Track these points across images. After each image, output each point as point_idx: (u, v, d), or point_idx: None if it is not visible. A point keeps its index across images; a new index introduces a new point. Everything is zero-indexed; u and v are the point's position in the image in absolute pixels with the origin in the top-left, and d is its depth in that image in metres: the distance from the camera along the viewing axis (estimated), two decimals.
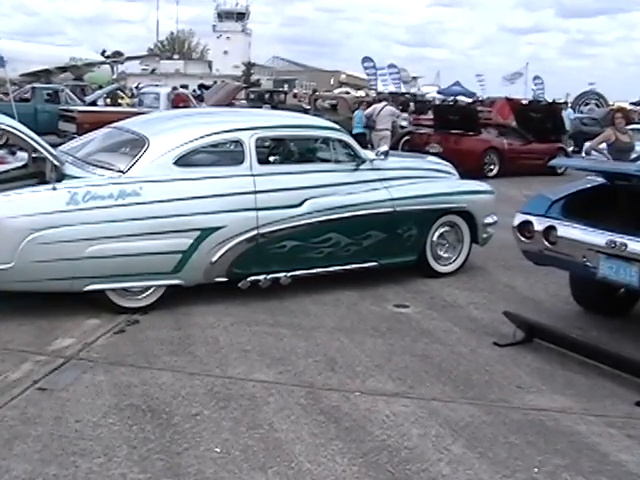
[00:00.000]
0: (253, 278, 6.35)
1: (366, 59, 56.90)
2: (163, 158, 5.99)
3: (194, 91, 31.60)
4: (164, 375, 4.85)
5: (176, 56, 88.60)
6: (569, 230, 5.58)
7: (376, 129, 17.19)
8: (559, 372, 5.25)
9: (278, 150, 6.95)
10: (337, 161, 6.91)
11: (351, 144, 6.99)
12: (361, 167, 7.00)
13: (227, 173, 6.22)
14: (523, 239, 5.92)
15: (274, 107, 26.98)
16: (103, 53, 63.81)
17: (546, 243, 5.72)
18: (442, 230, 7.60)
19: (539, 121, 19.78)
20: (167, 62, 78.61)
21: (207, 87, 32.52)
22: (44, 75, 37.78)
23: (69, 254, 5.58)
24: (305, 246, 6.55)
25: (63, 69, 42.11)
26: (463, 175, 8.62)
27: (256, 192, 6.26)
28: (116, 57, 60.02)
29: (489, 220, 7.91)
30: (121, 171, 5.91)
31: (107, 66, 51.46)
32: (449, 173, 8.14)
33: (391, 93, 41.50)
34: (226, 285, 6.34)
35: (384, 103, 17.87)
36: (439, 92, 59.41)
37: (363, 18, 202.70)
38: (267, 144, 6.82)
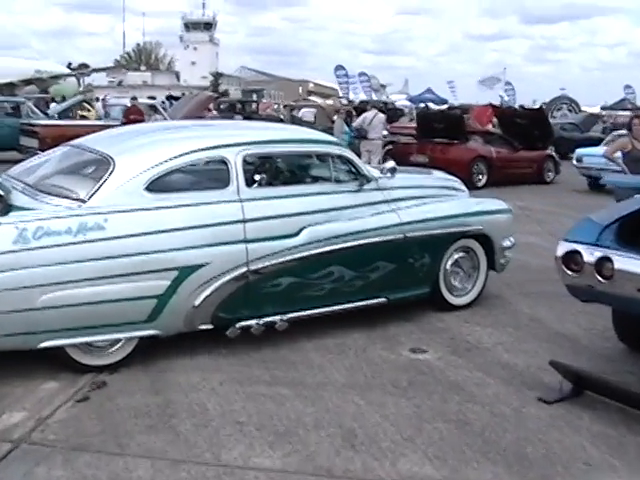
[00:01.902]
0: (243, 324, 5.30)
1: (338, 67, 56.32)
2: (132, 183, 4.94)
3: (163, 102, 30.42)
4: (140, 465, 3.78)
5: (143, 67, 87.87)
6: (629, 262, 4.60)
7: (368, 138, 16.19)
8: (628, 438, 4.27)
9: (270, 170, 5.92)
10: (338, 181, 5.89)
11: (353, 160, 5.98)
12: (365, 187, 5.99)
13: (210, 199, 5.18)
14: (569, 272, 4.94)
15: (247, 118, 25.95)
16: (69, 66, 62.82)
17: (599, 277, 4.73)
18: (456, 256, 6.61)
19: (525, 127, 18.93)
20: (134, 74, 78.10)
21: (176, 98, 31.41)
22: (8, 88, 36.57)
23: (19, 304, 4.51)
24: (303, 283, 5.53)
25: (28, 82, 41.06)
26: None
27: (245, 221, 5.22)
28: (82, 69, 59.29)
29: (507, 243, 6.96)
30: (81, 200, 4.84)
31: (73, 79, 50.62)
32: (459, 190, 7.16)
33: (362, 101, 40.81)
34: (211, 333, 5.29)
35: (375, 111, 16.88)
36: (410, 100, 58.96)
37: (329, 27, 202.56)
38: (256, 163, 5.78)
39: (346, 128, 18.15)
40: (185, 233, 4.98)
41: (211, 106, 30.96)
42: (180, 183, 5.23)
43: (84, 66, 64.32)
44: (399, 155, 17.96)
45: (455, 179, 7.39)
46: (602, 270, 4.72)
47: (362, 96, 54.25)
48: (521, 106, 26.37)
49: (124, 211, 4.84)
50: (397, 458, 3.93)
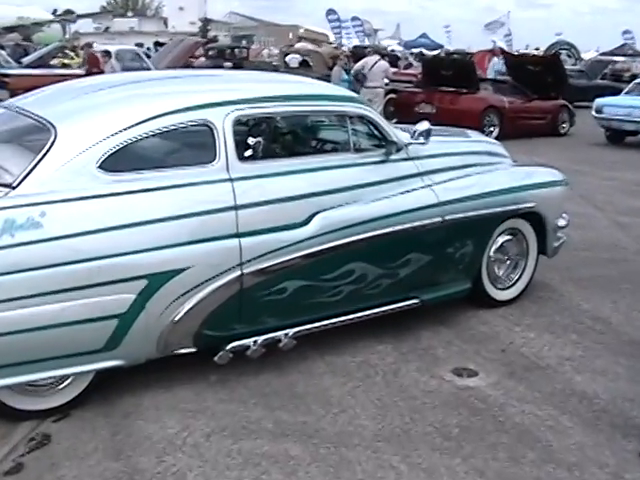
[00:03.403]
0: (238, 344, 3.98)
1: (330, 11, 54.29)
2: (80, 160, 3.55)
3: (148, 49, 28.62)
4: None
5: (130, 14, 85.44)
6: None
7: (367, 86, 14.69)
8: None
9: (269, 137, 4.52)
10: (358, 149, 4.48)
11: (377, 122, 4.58)
12: (393, 157, 4.61)
13: (189, 179, 3.79)
14: None
15: (236, 65, 24.28)
16: (54, 13, 60.48)
17: None
18: (501, 241, 5.29)
19: (538, 75, 17.40)
20: (121, 20, 76.25)
21: (163, 45, 29.55)
22: None
23: None
24: (315, 286, 4.20)
25: (10, 29, 39.08)
26: None
27: (237, 207, 3.86)
28: (67, 16, 57.40)
29: (562, 222, 5.63)
30: (7, 185, 3.46)
31: (58, 26, 48.64)
32: (502, 155, 5.77)
33: (356, 46, 39.16)
34: (193, 356, 3.97)
35: (377, 57, 15.35)
36: (404, 45, 57.07)
37: None
38: (252, 128, 4.37)
39: (345, 76, 16.58)
40: (155, 227, 3.63)
41: (199, 53, 29.32)
42: (147, 158, 3.83)
43: (69, 12, 62.33)
44: (402, 105, 16.54)
45: (494, 141, 6.01)
46: None
47: (355, 41, 52.43)
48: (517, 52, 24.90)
49: (69, 200, 3.47)
50: None
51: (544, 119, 17.13)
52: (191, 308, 3.77)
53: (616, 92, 25.24)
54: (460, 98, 15.65)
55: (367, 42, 53.53)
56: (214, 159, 3.88)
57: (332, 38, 57.28)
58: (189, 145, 4.04)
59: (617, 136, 16.20)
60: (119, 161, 3.62)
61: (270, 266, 3.96)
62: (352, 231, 4.24)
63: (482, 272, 5.18)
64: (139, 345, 3.71)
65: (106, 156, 3.59)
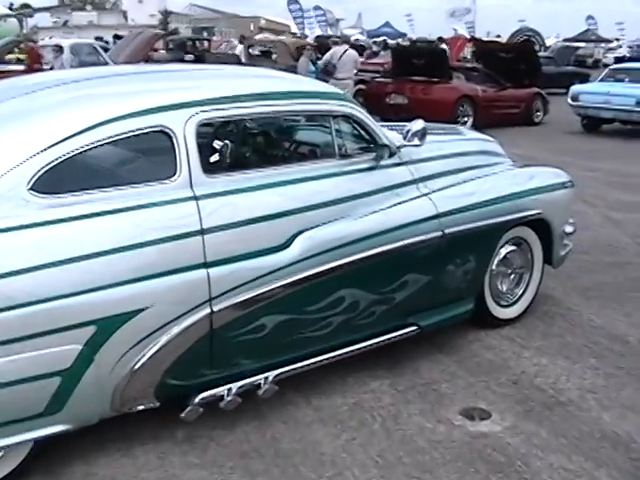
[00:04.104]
0: (208, 394, 3.32)
1: (291, 1, 53.33)
2: (5, 180, 2.85)
3: (107, 42, 27.61)
4: None
5: (89, 7, 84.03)
6: None
7: (337, 78, 14.01)
8: None
9: (240, 144, 3.84)
10: (344, 155, 3.81)
11: (366, 123, 3.91)
12: (384, 162, 3.96)
13: (143, 199, 3.11)
14: None
15: (198, 58, 23.45)
16: (11, 7, 58.97)
17: None
18: (504, 252, 4.67)
19: (510, 62, 16.90)
20: (80, 13, 75.45)
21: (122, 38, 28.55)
22: None
23: None
24: (299, 320, 3.55)
25: None
26: None
27: (203, 231, 3.19)
28: (24, 10, 56.15)
29: (569, 229, 5.04)
30: None
31: (14, 20, 47.32)
32: (499, 155, 5.16)
33: (318, 37, 38.52)
34: (156, 410, 3.29)
35: (345, 46, 14.67)
36: (368, 34, 56.50)
37: None
38: (219, 134, 3.67)
39: (312, 67, 15.93)
40: (103, 261, 2.94)
41: (158, 46, 28.41)
42: (91, 176, 3.13)
43: (26, 6, 61.02)
44: (372, 96, 15.90)
45: (491, 139, 5.37)
46: None
47: (318, 31, 51.78)
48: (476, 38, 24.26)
49: None
50: None
51: (518, 108, 16.66)
52: (152, 356, 3.10)
53: (585, 78, 25.03)
54: (432, 88, 15.06)
55: (330, 32, 52.86)
56: (174, 173, 3.19)
57: (294, 28, 56.57)
58: (143, 158, 3.35)
59: (593, 124, 15.76)
60: (55, 180, 2.92)
61: (245, 300, 3.30)
62: (341, 253, 3.59)
63: (484, 289, 4.56)
64: (89, 405, 3.03)
65: (39, 175, 2.89)
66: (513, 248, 4.73)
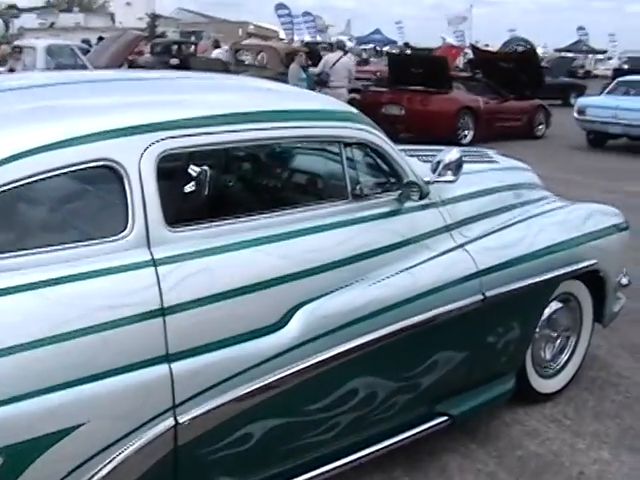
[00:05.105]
0: None
1: (280, 6, 52.43)
2: None
3: (90, 45, 26.47)
4: None
5: (76, 9, 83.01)
6: None
7: (330, 86, 13.06)
8: None
9: (219, 183, 2.87)
10: (358, 196, 2.83)
11: (388, 152, 2.95)
12: (410, 204, 3.00)
13: (78, 266, 2.14)
14: None
15: (182, 62, 22.42)
16: None
17: None
18: (550, 312, 3.74)
19: (511, 72, 16.00)
20: (67, 15, 74.57)
21: None
22: None
23: None
24: (297, 425, 2.60)
25: None
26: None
27: (165, 311, 2.23)
28: (9, 10, 55.29)
29: (624, 280, 4.11)
30: None
31: (0, 21, 46.50)
32: (540, 187, 4.23)
33: (307, 43, 37.63)
34: None
35: (339, 53, 13.71)
36: (358, 41, 55.78)
37: None
38: (189, 170, 2.69)
39: (303, 74, 14.92)
40: (12, 362, 1.97)
41: (145, 49, 27.40)
42: (3, 234, 2.16)
43: (12, 7, 60.08)
44: (367, 106, 14.91)
45: (527, 166, 4.45)
46: None
47: (307, 38, 50.97)
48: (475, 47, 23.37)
49: None
50: None
51: (520, 120, 15.83)
52: None
53: (581, 90, 24.27)
54: (431, 98, 14.15)
55: (319, 38, 52.01)
56: (124, 227, 2.23)
57: (282, 34, 55.75)
58: (80, 205, 2.37)
59: (600, 139, 14.91)
60: None
61: (224, 404, 2.34)
62: (354, 331, 2.65)
63: (527, 360, 3.63)
64: None
65: None
66: (559, 306, 3.79)
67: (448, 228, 3.12)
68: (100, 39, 30.06)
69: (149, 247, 2.25)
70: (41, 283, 2.07)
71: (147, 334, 2.20)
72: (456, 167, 3.15)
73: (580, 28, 63.98)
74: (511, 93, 15.64)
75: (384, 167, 2.96)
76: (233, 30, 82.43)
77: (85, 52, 18.77)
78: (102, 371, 2.13)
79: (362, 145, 2.89)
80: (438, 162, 3.17)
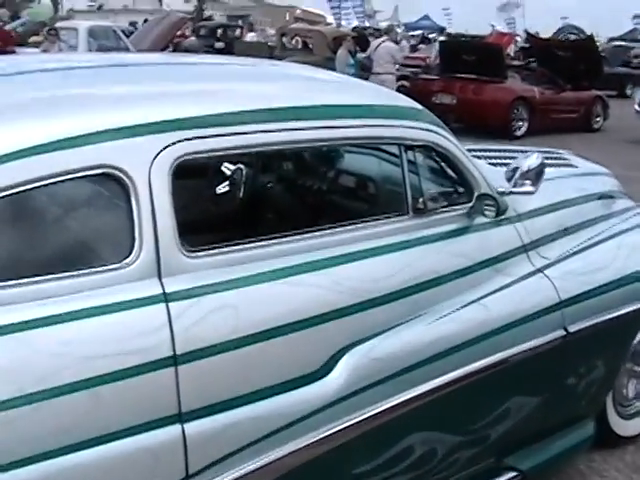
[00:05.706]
0: None
1: None
2: None
3: (136, 27, 26.23)
4: None
5: None
6: None
7: (373, 72, 12.53)
8: None
9: (249, 196, 2.37)
10: (420, 211, 2.33)
11: (458, 158, 2.44)
12: (481, 221, 2.48)
13: (70, 303, 1.68)
14: None
15: (227, 45, 22.03)
16: None
17: None
18: (635, 343, 3.20)
19: (569, 61, 15.24)
20: None
21: None
22: None
23: None
24: None
25: None
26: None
27: (177, 359, 1.77)
28: None
29: None
30: None
31: (48, 1, 46.84)
32: (623, 194, 3.67)
33: (354, 28, 37.01)
34: None
35: (384, 38, 13.18)
36: (405, 27, 54.99)
37: None
38: (213, 180, 2.21)
39: (351, 60, 14.39)
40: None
41: (188, 32, 27.03)
42: None
43: None
44: (417, 94, 14.34)
45: (607, 170, 3.90)
46: None
47: (355, 23, 50.37)
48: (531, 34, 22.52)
49: None
50: None
51: (577, 112, 15.07)
52: None
53: (638, 81, 23.32)
54: (485, 88, 13.51)
55: (367, 24, 51.32)
56: (129, 253, 1.77)
57: (330, 19, 55.22)
58: (73, 225, 1.89)
59: None
60: None
61: (248, 474, 1.87)
62: (413, 378, 2.16)
63: (608, 401, 3.10)
64: None
65: None
66: None
67: (524, 249, 2.61)
68: (146, 21, 29.89)
69: (160, 277, 1.79)
70: (23, 325, 1.62)
71: (155, 388, 1.75)
72: (536, 176, 2.62)
73: (636, 16, 62.17)
74: (568, 83, 14.93)
75: (452, 175, 2.45)
76: (280, 14, 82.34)
77: (129, 34, 18.51)
78: (98, 435, 1.67)
79: (426, 148, 2.38)
80: (515, 169, 2.64)
